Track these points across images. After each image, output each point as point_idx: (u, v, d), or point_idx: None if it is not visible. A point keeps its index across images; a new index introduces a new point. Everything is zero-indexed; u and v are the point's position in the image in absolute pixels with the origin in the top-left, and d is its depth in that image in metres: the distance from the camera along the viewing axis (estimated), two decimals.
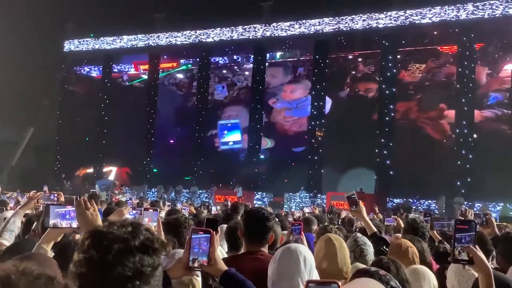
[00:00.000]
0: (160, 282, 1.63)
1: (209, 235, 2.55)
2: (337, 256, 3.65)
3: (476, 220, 5.84)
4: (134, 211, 4.87)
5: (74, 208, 2.92)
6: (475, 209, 23.11)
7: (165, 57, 36.51)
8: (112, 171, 36.09)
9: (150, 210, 3.99)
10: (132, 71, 39.14)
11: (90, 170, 36.27)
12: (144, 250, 1.57)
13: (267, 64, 32.98)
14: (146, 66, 36.60)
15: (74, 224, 2.92)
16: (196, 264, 2.54)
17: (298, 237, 4.70)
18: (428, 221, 5.97)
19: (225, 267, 2.61)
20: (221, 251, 4.27)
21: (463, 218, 4.89)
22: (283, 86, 34.78)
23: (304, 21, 30.11)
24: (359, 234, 4.72)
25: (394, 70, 28.26)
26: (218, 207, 16.45)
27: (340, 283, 1.72)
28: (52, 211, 2.95)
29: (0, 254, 3.82)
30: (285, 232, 5.39)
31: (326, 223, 6.81)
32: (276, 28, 30.96)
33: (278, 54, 34.95)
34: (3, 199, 11.26)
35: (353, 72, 32.81)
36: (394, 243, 4.31)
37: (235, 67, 36.65)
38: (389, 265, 2.92)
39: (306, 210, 15.30)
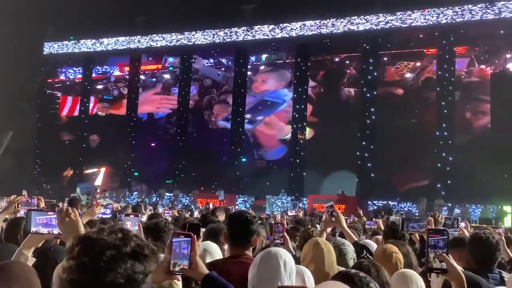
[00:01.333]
0: None
1: (190, 239, 2.54)
2: (324, 260, 3.67)
3: (446, 222, 5.92)
4: (104, 210, 4.87)
5: (55, 215, 2.93)
6: (455, 211, 23.44)
7: (150, 58, 36.27)
8: (100, 172, 35.73)
9: (131, 215, 3.98)
10: (117, 72, 38.73)
11: (71, 173, 36.03)
12: (135, 256, 1.57)
13: (250, 67, 33.09)
14: None
15: (56, 231, 2.92)
16: (177, 268, 2.53)
17: (282, 234, 4.72)
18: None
19: (206, 271, 2.61)
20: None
21: (431, 226, 4.92)
22: (255, 76, 34.57)
23: (285, 24, 30.26)
24: (338, 238, 4.75)
25: (375, 73, 28.48)
26: (199, 210, 16.43)
27: None
28: (33, 217, 2.94)
29: None
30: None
31: (310, 226, 6.81)
32: (258, 32, 31.08)
33: (264, 56, 34.77)
34: None
35: (336, 75, 32.89)
36: (379, 248, 4.34)
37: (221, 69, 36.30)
38: (369, 268, 2.95)
39: (290, 213, 15.31)
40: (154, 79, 37.58)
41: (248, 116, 32.95)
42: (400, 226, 5.57)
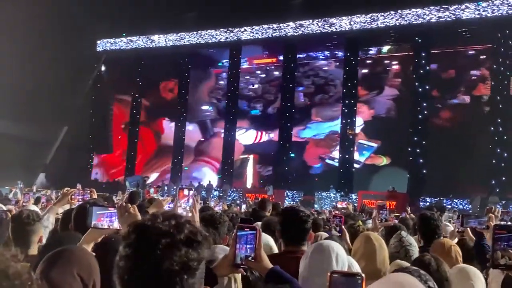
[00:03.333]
0: (203, 275, 1.64)
1: (255, 231, 2.54)
2: (376, 256, 3.56)
3: (504, 217, 5.72)
4: (172, 204, 4.91)
5: (115, 210, 3.00)
6: (510, 208, 22.70)
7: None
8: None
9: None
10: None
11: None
12: (189, 243, 1.58)
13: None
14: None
15: (116, 225, 2.96)
16: (242, 261, 2.53)
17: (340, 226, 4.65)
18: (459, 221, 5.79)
19: (270, 265, 2.59)
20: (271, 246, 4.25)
21: (493, 223, 4.75)
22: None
23: (333, 19, 29.92)
24: (403, 233, 4.62)
25: (427, 68, 27.84)
26: (247, 205, 16.39)
27: (363, 275, 1.71)
28: (94, 212, 3.00)
29: (40, 249, 3.90)
30: (323, 233, 5.33)
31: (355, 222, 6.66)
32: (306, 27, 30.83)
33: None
34: (38, 196, 11.46)
35: (387, 69, 32.43)
36: (436, 243, 4.21)
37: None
38: (430, 261, 2.85)
39: (339, 205, 15.10)
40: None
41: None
42: (460, 222, 5.42)
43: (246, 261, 2.53)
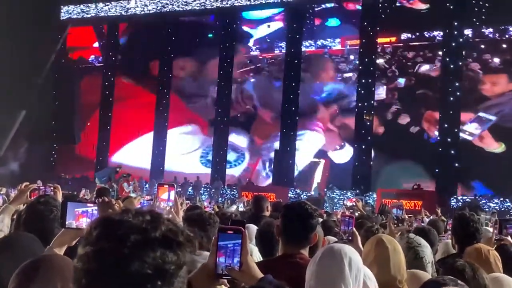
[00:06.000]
0: (185, 285, 1.56)
1: (240, 234, 2.47)
2: (390, 261, 3.57)
3: None
4: (146, 202, 4.93)
5: (96, 207, 2.97)
6: None
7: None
8: None
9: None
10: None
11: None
12: (166, 243, 1.50)
13: None
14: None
15: None
16: (224, 271, 2.45)
17: (351, 229, 4.65)
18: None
19: (260, 274, 2.53)
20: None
21: None
22: None
23: None
24: (411, 234, 4.63)
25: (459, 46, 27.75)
26: (244, 205, 16.36)
27: None
28: (70, 209, 2.96)
29: None
30: (331, 237, 5.33)
31: (374, 224, 6.60)
32: None
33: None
34: None
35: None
36: (470, 249, 4.22)
37: None
38: (464, 267, 2.86)
39: (349, 203, 14.94)
40: None
41: None
42: (498, 229, 5.40)
43: (229, 270, 2.45)
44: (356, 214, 9.35)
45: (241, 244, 2.47)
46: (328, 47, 34.64)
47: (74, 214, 2.94)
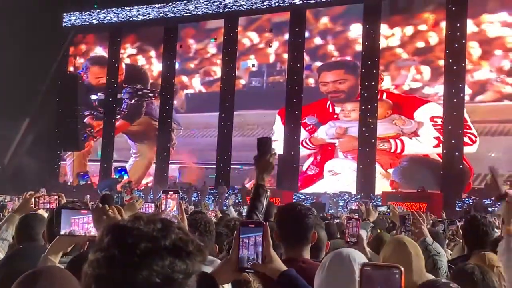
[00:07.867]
0: None
1: (261, 227, 2.49)
2: (412, 266, 3.46)
3: None
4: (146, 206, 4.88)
5: (90, 213, 2.98)
6: None
7: None
8: None
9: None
10: None
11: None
12: (176, 252, 1.53)
13: None
14: None
15: (92, 231, 2.92)
16: (247, 265, 2.47)
17: (356, 231, 4.64)
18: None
19: (283, 267, 2.55)
20: None
21: None
22: None
23: None
24: (429, 240, 4.57)
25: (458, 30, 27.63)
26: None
27: (402, 268, 1.68)
28: (65, 217, 2.95)
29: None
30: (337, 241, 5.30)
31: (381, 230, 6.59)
32: None
33: None
34: (3, 204, 11.45)
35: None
36: (475, 258, 4.18)
37: None
38: (473, 270, 2.83)
39: (352, 206, 14.97)
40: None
41: None
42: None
43: (252, 264, 2.47)
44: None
45: (263, 237, 2.48)
46: None
47: (69, 221, 2.95)
